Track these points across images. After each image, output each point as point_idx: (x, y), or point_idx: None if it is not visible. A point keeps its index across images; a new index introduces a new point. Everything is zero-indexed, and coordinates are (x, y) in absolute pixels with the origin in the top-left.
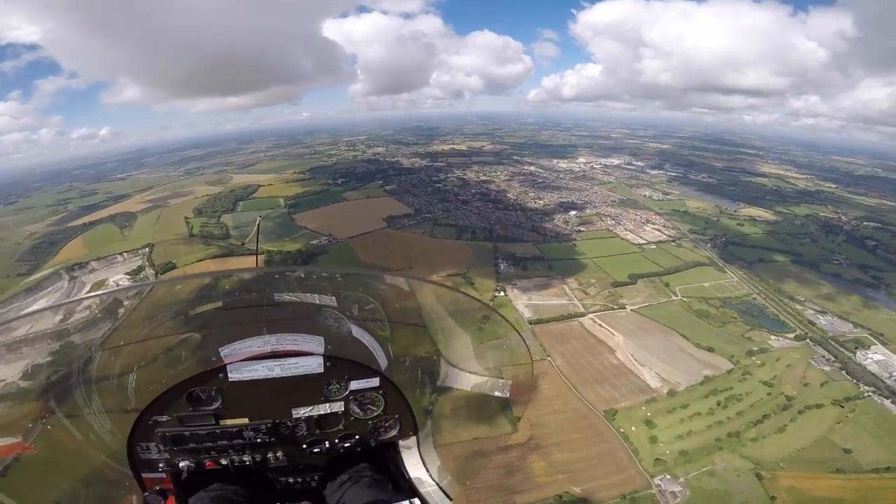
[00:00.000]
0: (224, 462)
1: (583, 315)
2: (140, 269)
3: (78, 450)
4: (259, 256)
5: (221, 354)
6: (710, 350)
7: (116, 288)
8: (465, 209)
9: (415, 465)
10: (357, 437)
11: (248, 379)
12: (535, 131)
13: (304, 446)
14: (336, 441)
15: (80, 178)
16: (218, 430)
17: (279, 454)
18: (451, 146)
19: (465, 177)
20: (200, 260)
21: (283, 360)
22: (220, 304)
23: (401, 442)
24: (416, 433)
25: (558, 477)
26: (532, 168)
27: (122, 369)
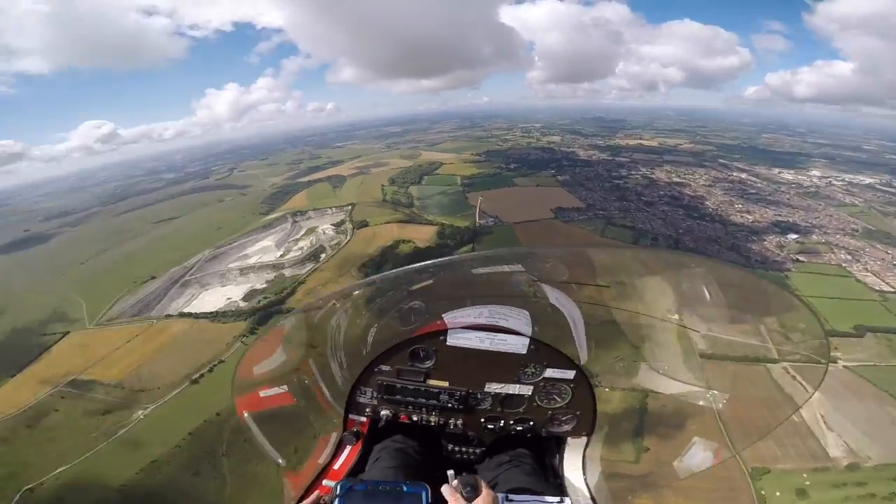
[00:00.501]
0: (415, 418)
1: (774, 361)
2: (342, 222)
3: (314, 390)
4: (436, 228)
5: (445, 319)
6: None
7: (369, 278)
8: (647, 212)
9: (574, 467)
10: (532, 423)
11: (462, 345)
12: (752, 133)
13: (482, 420)
14: (511, 422)
15: (310, 144)
16: (422, 388)
17: (458, 422)
18: (639, 141)
19: (652, 176)
20: (387, 222)
21: (495, 334)
22: (431, 281)
23: (569, 439)
24: (589, 434)
25: None
26: (743, 175)
27: (365, 325)
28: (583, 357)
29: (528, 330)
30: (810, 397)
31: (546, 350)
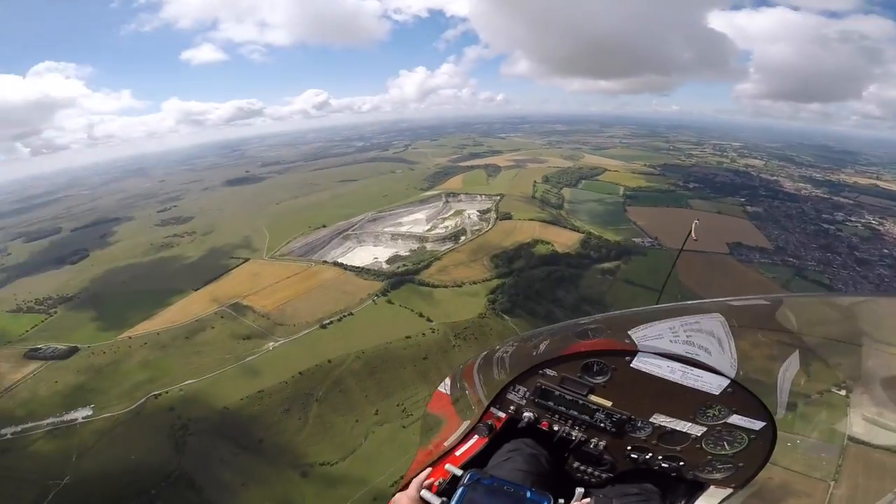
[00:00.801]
0: (556, 428)
1: None
2: (488, 210)
3: (469, 390)
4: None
5: (634, 338)
6: None
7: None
8: (855, 271)
9: None
10: (682, 463)
11: (646, 371)
12: None
13: (629, 448)
14: (659, 457)
15: (476, 131)
16: (581, 402)
17: (601, 443)
18: (874, 181)
19: (879, 227)
20: (531, 219)
21: (690, 368)
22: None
23: (713, 487)
24: (738, 488)
25: None
26: None
27: (538, 339)
28: (780, 411)
29: (730, 370)
30: None
31: (743, 395)
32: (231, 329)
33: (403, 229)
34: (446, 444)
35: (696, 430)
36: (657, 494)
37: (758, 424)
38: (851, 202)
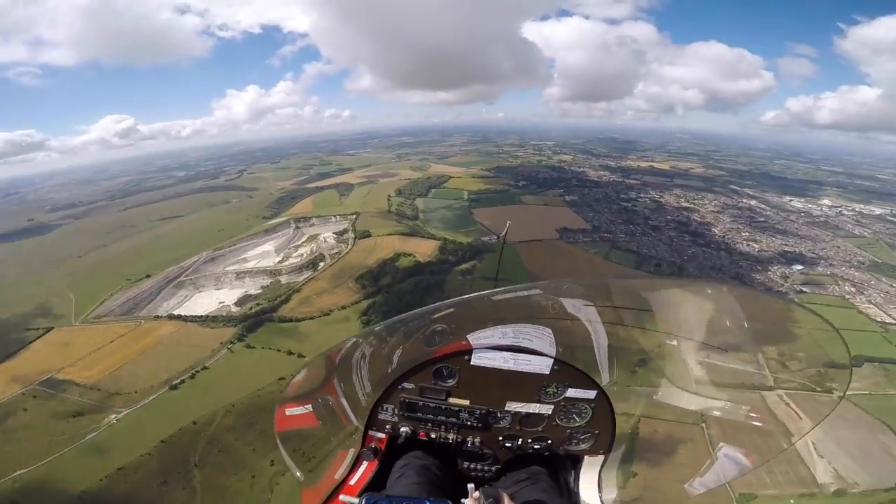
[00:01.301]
0: (433, 436)
1: (769, 389)
2: (345, 230)
3: (335, 405)
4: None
5: (469, 339)
6: None
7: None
8: (653, 236)
9: (590, 485)
10: (549, 441)
11: (485, 365)
12: (766, 159)
13: (500, 438)
14: (529, 440)
15: (323, 150)
16: (443, 406)
17: (477, 440)
18: (651, 164)
19: (660, 200)
20: (390, 234)
21: (518, 355)
22: (452, 309)
23: (586, 458)
24: (606, 454)
25: None
26: (752, 202)
27: (392, 345)
28: (604, 378)
29: (552, 350)
30: (812, 428)
31: (569, 370)
32: (51, 408)
33: (250, 265)
34: (336, 476)
35: (546, 409)
36: (544, 474)
37: (591, 393)
38: (638, 182)
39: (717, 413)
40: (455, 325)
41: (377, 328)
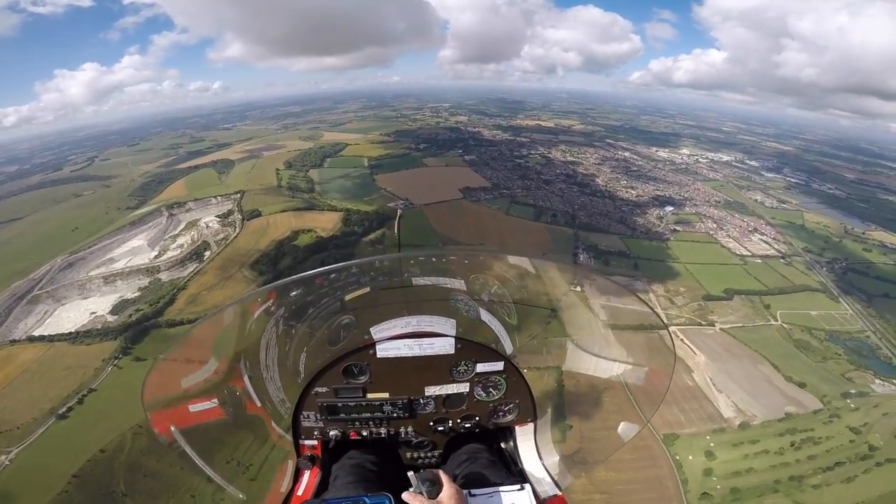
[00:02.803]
0: (364, 433)
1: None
2: (229, 212)
3: (255, 416)
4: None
5: (371, 332)
6: (802, 386)
7: (281, 281)
8: (546, 189)
9: (529, 452)
10: (477, 418)
11: (392, 356)
12: (634, 115)
13: (431, 423)
14: (458, 420)
15: (193, 126)
16: (364, 403)
17: (409, 429)
18: (537, 122)
19: (549, 155)
20: (283, 211)
21: (421, 340)
22: (367, 289)
23: (518, 427)
24: (534, 420)
25: (595, 496)
26: (626, 154)
27: (296, 347)
28: (507, 348)
29: (453, 331)
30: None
31: (473, 346)
32: None
33: (119, 266)
34: (282, 490)
35: (462, 387)
36: (484, 450)
37: (499, 365)
38: (528, 140)
39: (621, 354)
40: (364, 315)
41: (290, 292)
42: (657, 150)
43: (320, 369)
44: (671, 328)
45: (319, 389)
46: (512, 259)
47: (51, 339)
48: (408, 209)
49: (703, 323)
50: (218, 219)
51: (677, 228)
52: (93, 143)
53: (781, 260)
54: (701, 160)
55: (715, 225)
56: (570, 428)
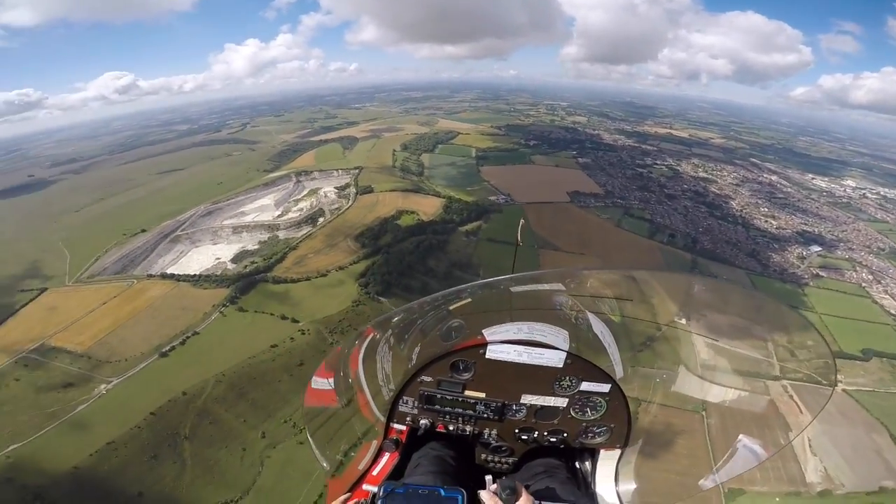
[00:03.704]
0: (451, 428)
1: (775, 379)
2: (346, 185)
3: (363, 393)
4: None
5: (484, 334)
6: None
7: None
8: (667, 205)
9: (606, 478)
10: (565, 434)
11: (499, 359)
12: (789, 135)
13: (516, 431)
14: (545, 433)
15: (329, 104)
16: (460, 398)
17: (493, 432)
18: (669, 130)
19: (677, 168)
20: (392, 190)
21: (532, 348)
22: (469, 300)
23: (603, 451)
24: (623, 447)
25: None
26: (773, 178)
27: (411, 343)
28: (618, 372)
29: (566, 345)
30: (807, 425)
31: (582, 364)
32: (42, 379)
33: (248, 219)
34: (360, 467)
35: (560, 402)
36: (562, 467)
37: (605, 387)
38: (655, 149)
39: (722, 400)
40: (471, 321)
41: (395, 318)
42: (813, 178)
43: (432, 359)
44: (784, 382)
45: (425, 378)
46: (625, 272)
47: (178, 278)
48: (508, 205)
49: (823, 382)
50: (336, 190)
51: (821, 274)
52: (248, 110)
53: None
54: (869, 195)
55: (871, 277)
56: (653, 462)
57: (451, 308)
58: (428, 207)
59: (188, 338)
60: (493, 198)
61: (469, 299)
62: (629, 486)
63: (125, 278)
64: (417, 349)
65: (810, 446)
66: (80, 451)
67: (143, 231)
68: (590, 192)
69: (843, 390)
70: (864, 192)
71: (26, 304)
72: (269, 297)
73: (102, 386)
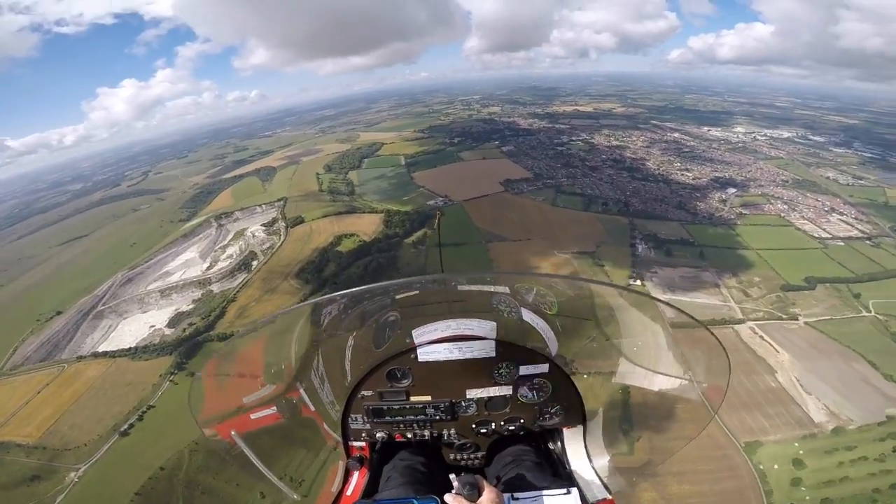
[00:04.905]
0: (409, 435)
1: (740, 322)
2: (274, 220)
3: (309, 420)
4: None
5: (413, 336)
6: None
7: (325, 297)
8: (593, 177)
9: (578, 455)
10: (521, 420)
11: (433, 360)
12: (677, 95)
13: (474, 426)
14: (502, 423)
15: (235, 136)
16: (407, 406)
17: (452, 431)
18: (575, 107)
19: (592, 141)
20: (325, 216)
21: (462, 343)
22: (417, 292)
23: (566, 430)
24: (583, 423)
25: None
26: (676, 135)
27: (343, 353)
28: (553, 350)
29: (493, 334)
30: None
31: (514, 348)
32: (2, 477)
33: (175, 279)
34: (333, 489)
35: (505, 390)
36: (531, 452)
37: (543, 367)
38: (567, 126)
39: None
40: (407, 314)
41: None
42: (709, 130)
43: (365, 374)
44: (749, 323)
45: (365, 393)
46: (559, 280)
47: (113, 354)
48: (447, 206)
49: (784, 317)
50: (263, 227)
51: (744, 212)
52: (147, 157)
53: (867, 241)
54: (759, 137)
55: (786, 206)
56: (623, 431)
57: (396, 297)
58: (367, 226)
59: (144, 412)
60: (431, 202)
61: (417, 291)
62: (602, 459)
63: (54, 364)
64: (349, 360)
65: (801, 385)
66: None
67: (59, 313)
68: (520, 177)
69: (806, 323)
70: (753, 135)
71: None
72: (209, 357)
73: (72, 474)
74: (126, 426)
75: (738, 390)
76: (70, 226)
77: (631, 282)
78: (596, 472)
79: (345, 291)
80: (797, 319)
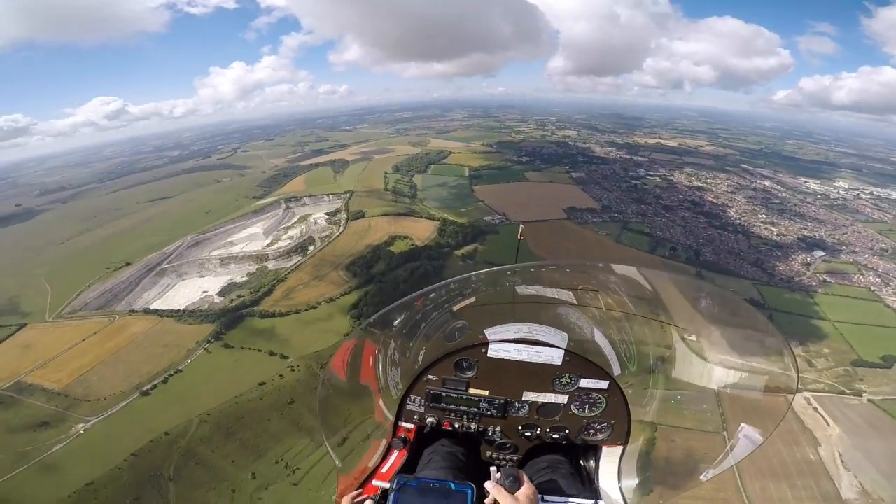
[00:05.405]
0: (457, 425)
1: (797, 392)
2: (337, 210)
3: (367, 388)
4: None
5: (486, 334)
6: None
7: (384, 310)
8: (666, 217)
9: (609, 473)
10: (566, 431)
11: (500, 357)
12: (776, 138)
13: (520, 428)
14: (547, 430)
15: (320, 126)
16: (464, 396)
17: (497, 429)
18: (658, 140)
19: (671, 178)
20: (384, 214)
21: (532, 347)
22: (473, 300)
23: (605, 447)
24: (624, 444)
25: None
26: (767, 183)
27: (417, 346)
28: (615, 369)
29: (564, 343)
30: (771, 434)
31: (581, 361)
32: (15, 418)
33: (236, 250)
34: (370, 464)
35: (560, 398)
36: (565, 463)
37: (603, 384)
38: (647, 159)
39: (718, 391)
40: (474, 321)
41: (396, 315)
42: (806, 182)
43: (436, 359)
44: (805, 394)
45: (431, 377)
46: (619, 269)
47: (161, 313)
48: (503, 225)
49: (847, 392)
50: (326, 216)
51: (828, 280)
52: (240, 135)
53: None
54: (863, 196)
55: (879, 280)
56: (655, 458)
57: (455, 309)
58: (422, 231)
59: (171, 376)
60: (487, 218)
61: (473, 299)
62: (632, 482)
63: (107, 314)
64: (423, 351)
65: (842, 461)
66: (54, 492)
67: (128, 264)
68: (586, 206)
69: (869, 400)
70: (857, 192)
71: (2, 340)
72: (255, 333)
73: (80, 425)
74: (150, 386)
75: (771, 459)
76: (159, 187)
77: (685, 337)
78: (622, 492)
79: (404, 299)
80: (861, 396)
